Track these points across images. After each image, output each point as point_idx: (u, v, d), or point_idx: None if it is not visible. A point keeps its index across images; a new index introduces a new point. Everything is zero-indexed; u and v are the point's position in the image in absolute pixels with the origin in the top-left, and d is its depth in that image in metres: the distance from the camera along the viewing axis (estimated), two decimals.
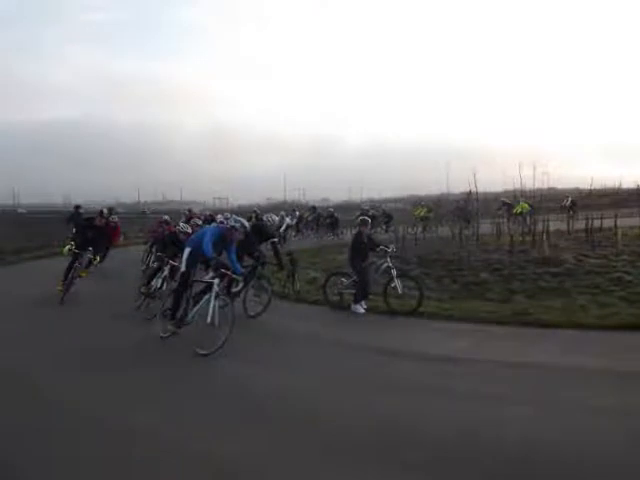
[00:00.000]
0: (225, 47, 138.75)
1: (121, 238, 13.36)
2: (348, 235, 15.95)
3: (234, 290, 7.49)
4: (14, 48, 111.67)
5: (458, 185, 27.24)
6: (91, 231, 9.19)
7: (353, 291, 8.23)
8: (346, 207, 31.26)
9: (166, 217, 12.47)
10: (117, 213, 16.65)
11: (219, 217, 13.44)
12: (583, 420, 3.79)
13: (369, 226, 8.86)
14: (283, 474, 3.23)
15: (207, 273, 6.91)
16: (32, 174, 60.43)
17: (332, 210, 22.14)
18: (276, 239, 8.62)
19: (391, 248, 8.41)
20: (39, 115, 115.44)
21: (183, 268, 6.48)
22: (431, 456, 3.34)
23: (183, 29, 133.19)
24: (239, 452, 3.45)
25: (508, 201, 20.94)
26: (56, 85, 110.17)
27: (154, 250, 10.66)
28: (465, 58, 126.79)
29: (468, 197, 18.05)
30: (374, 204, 29.79)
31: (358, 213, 17.11)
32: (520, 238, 13.38)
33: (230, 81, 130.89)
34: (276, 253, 8.30)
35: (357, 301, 8.10)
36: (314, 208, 23.02)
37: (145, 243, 13.60)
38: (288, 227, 18.45)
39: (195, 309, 6.25)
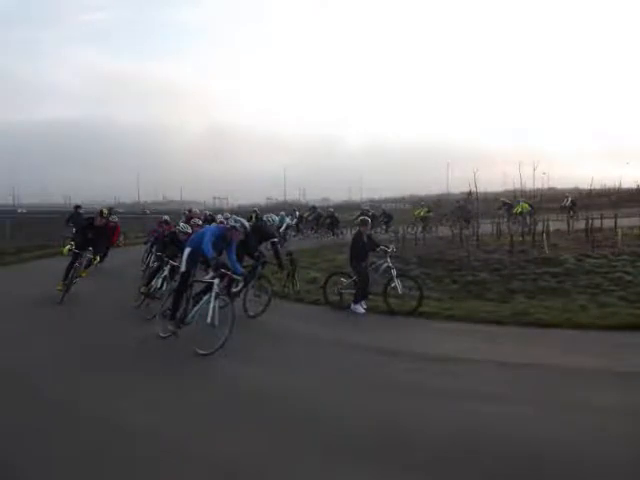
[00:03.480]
0: (225, 47, 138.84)
1: (121, 238, 13.34)
2: (348, 235, 15.96)
3: (234, 290, 7.48)
4: (14, 48, 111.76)
5: (458, 185, 27.37)
6: (91, 231, 9.18)
7: (353, 291, 8.23)
8: (346, 207, 31.32)
9: (166, 217, 12.45)
10: (117, 213, 16.65)
11: (219, 217, 13.42)
12: (583, 420, 3.80)
13: (369, 226, 8.85)
14: (283, 474, 3.23)
15: (207, 273, 6.90)
16: (32, 174, 60.36)
17: (332, 210, 22.15)
18: (276, 239, 8.61)
19: (391, 248, 8.42)
20: (39, 115, 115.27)
21: (183, 268, 6.48)
22: (431, 456, 3.34)
23: (183, 29, 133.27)
24: (239, 452, 3.45)
25: (508, 201, 20.97)
26: (56, 85, 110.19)
27: (154, 250, 10.66)
28: (465, 58, 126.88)
29: (468, 197, 18.08)
30: (374, 204, 29.83)
31: (358, 213, 17.16)
32: (520, 238, 13.39)
33: (230, 81, 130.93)
34: (276, 253, 8.31)
35: (357, 301, 8.10)
36: (314, 208, 23.04)
37: (145, 243, 13.60)
38: (288, 227, 18.45)
39: (195, 309, 6.24)
